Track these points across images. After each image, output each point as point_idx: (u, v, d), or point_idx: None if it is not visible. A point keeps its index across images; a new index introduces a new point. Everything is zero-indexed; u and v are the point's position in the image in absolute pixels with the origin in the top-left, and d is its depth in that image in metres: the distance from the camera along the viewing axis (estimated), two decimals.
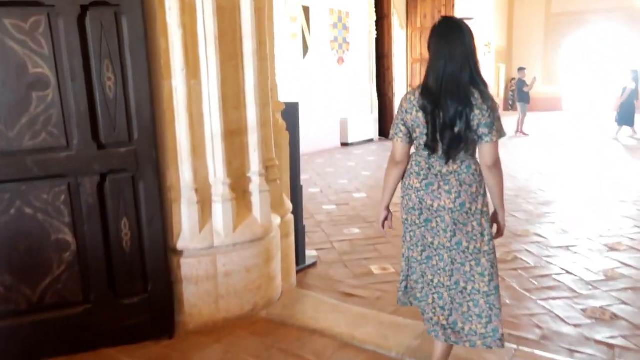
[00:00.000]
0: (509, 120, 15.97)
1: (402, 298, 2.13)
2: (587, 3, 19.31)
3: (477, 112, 1.84)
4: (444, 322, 1.97)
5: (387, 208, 2.12)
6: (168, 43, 2.33)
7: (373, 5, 11.27)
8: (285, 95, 8.73)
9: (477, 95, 1.84)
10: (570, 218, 4.72)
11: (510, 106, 21.12)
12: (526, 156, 8.60)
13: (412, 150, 2.01)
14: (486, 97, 1.86)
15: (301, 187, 3.54)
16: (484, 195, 1.96)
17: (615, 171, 7.03)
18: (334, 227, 4.57)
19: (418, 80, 14.12)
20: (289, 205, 3.15)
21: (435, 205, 1.91)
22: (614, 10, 18.56)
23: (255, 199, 2.65)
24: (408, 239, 2.03)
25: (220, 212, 2.50)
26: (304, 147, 9.32)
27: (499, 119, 1.89)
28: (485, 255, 1.93)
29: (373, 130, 11.24)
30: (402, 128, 1.96)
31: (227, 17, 2.48)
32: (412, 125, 1.93)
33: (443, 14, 13.85)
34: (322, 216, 4.95)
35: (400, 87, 14.29)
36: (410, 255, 2.03)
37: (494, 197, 1.98)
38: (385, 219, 2.13)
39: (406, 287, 2.10)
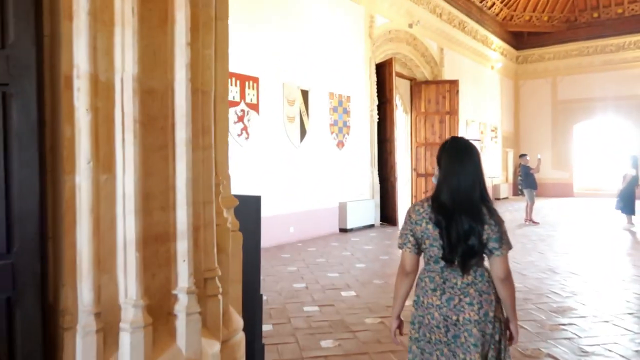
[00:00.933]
0: (517, 206, 15.52)
1: None
2: (592, 91, 19.41)
3: (486, 227, 1.92)
4: None
5: (399, 317, 2.11)
6: (74, 130, 1.90)
7: (375, 90, 11.21)
8: (280, 180, 8.38)
9: (485, 210, 1.94)
10: (590, 333, 4.02)
11: (519, 191, 20.61)
12: (536, 249, 7.94)
13: (422, 265, 2.04)
14: (492, 212, 1.96)
15: (261, 296, 2.96)
16: (499, 301, 1.99)
17: (635, 269, 6.35)
18: (311, 337, 3.91)
19: (423, 163, 13.84)
20: (239, 323, 2.56)
21: (461, 319, 1.92)
22: (621, 99, 18.57)
23: (181, 324, 2.08)
24: (435, 358, 1.96)
25: (127, 344, 1.92)
26: (300, 234, 8.89)
27: (505, 233, 1.97)
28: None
29: (373, 216, 10.73)
30: (411, 239, 1.99)
31: (157, 100, 2.05)
32: (422, 236, 1.98)
33: (447, 99, 13.83)
34: (300, 321, 4.30)
35: (404, 171, 13.99)
36: None
37: (507, 308, 2.00)
38: (398, 327, 2.11)
39: None
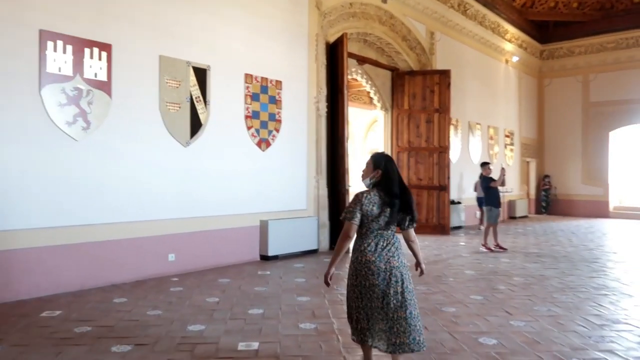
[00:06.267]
0: (535, 227, 12.37)
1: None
2: (631, 91, 16.12)
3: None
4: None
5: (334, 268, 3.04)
6: None
7: (323, 76, 8.67)
8: (154, 189, 5.96)
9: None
10: None
11: (543, 209, 17.40)
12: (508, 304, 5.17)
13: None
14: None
15: None
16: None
17: None
18: None
19: (405, 173, 11.15)
20: None
21: (389, 266, 2.96)
22: None
23: None
24: (368, 296, 2.93)
25: None
26: (184, 264, 6.43)
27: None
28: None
29: (316, 239, 8.12)
30: (359, 215, 2.93)
31: None
32: (367, 215, 2.93)
33: (436, 93, 11.10)
34: None
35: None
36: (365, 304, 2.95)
37: (418, 255, 3.20)
38: (332, 275, 3.04)
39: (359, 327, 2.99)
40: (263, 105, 7.63)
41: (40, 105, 5.19)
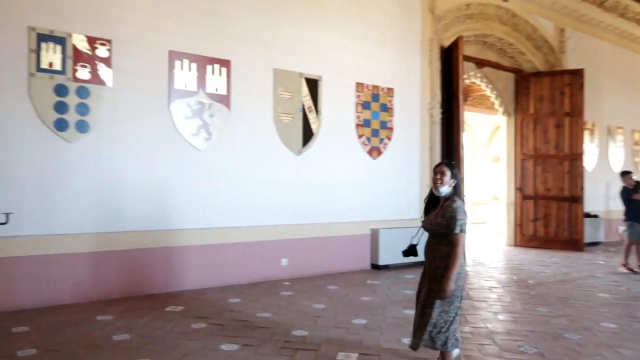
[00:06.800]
0: None
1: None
2: None
3: None
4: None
5: None
6: None
7: (437, 81, 8.39)
8: (265, 197, 6.30)
9: None
10: None
11: None
12: None
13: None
14: None
15: None
16: None
17: None
18: None
19: (531, 182, 10.39)
20: None
21: None
22: None
23: None
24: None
25: None
26: (299, 269, 6.65)
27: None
28: None
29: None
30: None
31: None
32: None
33: (567, 96, 10.16)
34: None
35: (503, 191, 10.69)
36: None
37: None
38: None
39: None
40: (374, 113, 7.60)
41: (169, 118, 5.74)
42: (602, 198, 11.80)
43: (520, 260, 8.69)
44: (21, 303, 4.83)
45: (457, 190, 3.17)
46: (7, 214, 4.67)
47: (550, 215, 10.18)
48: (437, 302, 3.07)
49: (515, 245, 10.52)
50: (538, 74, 10.49)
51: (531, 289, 6.26)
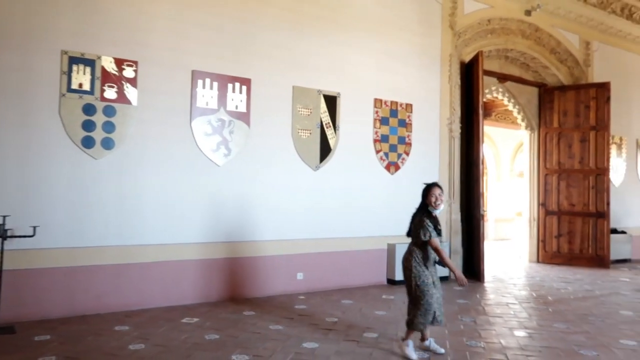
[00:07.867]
0: None
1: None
2: None
3: None
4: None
5: None
6: None
7: (457, 97, 8.41)
8: (281, 212, 6.45)
9: None
10: None
11: None
12: None
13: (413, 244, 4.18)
14: None
15: None
16: None
17: None
18: None
19: (554, 197, 10.24)
20: None
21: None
22: None
23: None
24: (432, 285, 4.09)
25: None
26: (312, 283, 6.74)
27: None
28: None
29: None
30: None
31: None
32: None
33: (592, 109, 10.01)
34: None
35: (526, 207, 10.48)
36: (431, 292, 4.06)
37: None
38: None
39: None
40: (392, 128, 7.68)
41: (190, 135, 5.96)
42: (630, 214, 11.49)
43: (542, 276, 8.55)
44: (46, 313, 5.08)
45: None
46: (35, 227, 4.93)
47: (575, 231, 9.99)
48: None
49: (538, 261, 10.34)
50: (562, 88, 10.37)
51: (550, 305, 6.18)
